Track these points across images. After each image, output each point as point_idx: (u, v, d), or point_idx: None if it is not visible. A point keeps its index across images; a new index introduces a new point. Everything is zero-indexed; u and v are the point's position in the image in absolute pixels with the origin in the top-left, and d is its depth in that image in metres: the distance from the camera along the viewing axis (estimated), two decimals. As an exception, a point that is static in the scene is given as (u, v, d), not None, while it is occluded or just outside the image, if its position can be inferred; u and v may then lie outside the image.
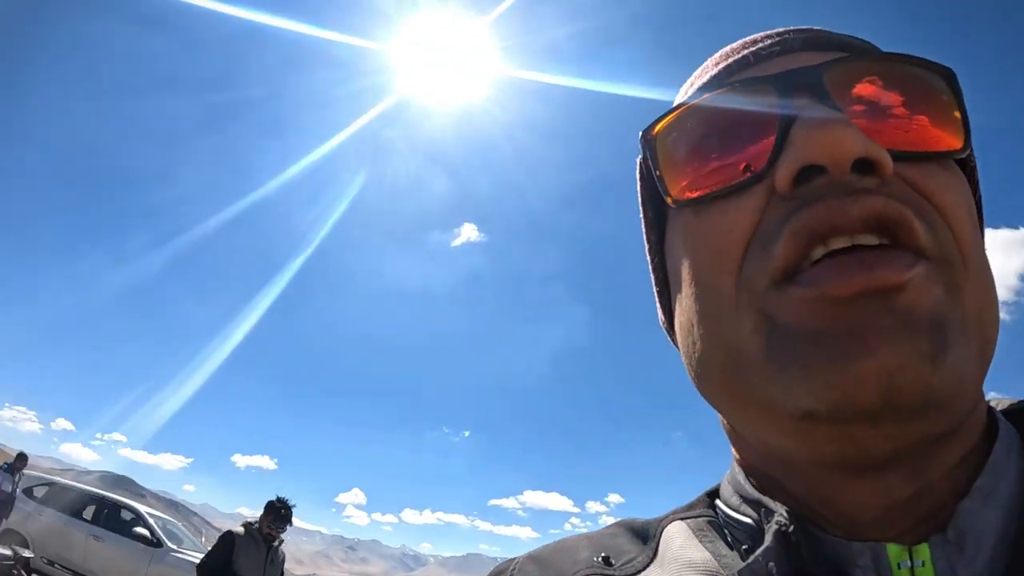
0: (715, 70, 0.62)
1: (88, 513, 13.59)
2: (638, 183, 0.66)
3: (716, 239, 0.53)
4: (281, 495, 6.24)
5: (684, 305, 0.57)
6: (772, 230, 0.49)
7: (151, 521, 13.43)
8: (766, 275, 0.48)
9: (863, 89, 0.52)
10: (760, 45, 0.60)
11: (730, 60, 0.61)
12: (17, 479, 12.10)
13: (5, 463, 12.20)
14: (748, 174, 0.52)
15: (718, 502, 0.63)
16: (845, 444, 0.46)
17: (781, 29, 0.61)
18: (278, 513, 6.13)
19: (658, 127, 0.58)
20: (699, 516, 0.63)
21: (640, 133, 0.60)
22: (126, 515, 13.70)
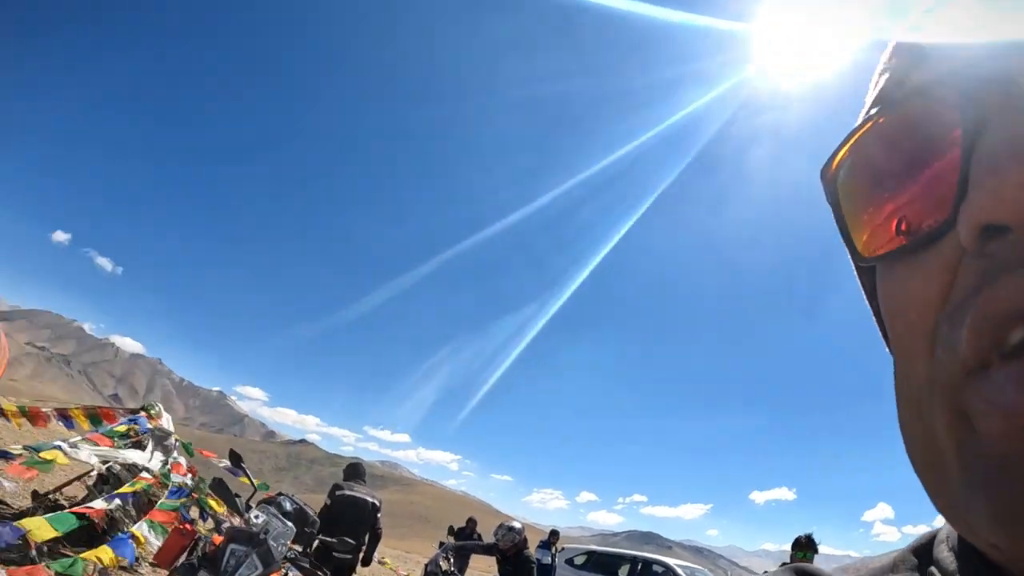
0: (887, 71, 0.48)
1: (623, 572, 14.89)
2: (836, 224, 0.53)
3: (905, 310, 0.45)
4: (804, 526, 6.67)
5: (895, 369, 0.48)
6: (961, 302, 0.43)
7: (680, 571, 14.07)
8: (956, 363, 0.43)
9: None
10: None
11: (902, 52, 0.48)
12: (554, 552, 13.91)
13: (542, 540, 14.15)
14: (933, 223, 0.44)
15: (933, 570, 0.50)
16: None
17: None
18: (800, 543, 6.29)
19: (834, 164, 0.48)
20: None
21: (820, 171, 0.50)
22: (657, 568, 14.58)
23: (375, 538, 7.13)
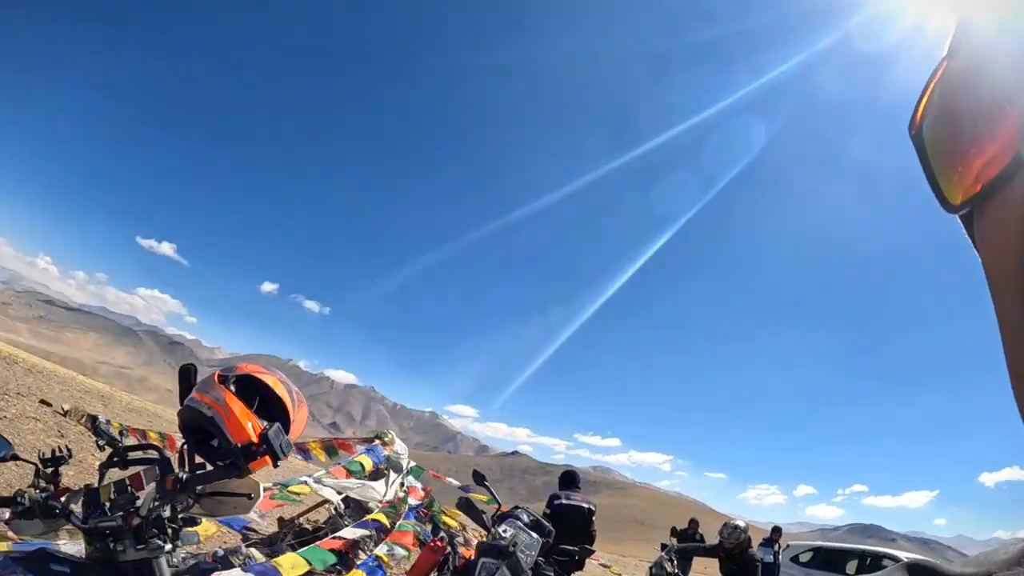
0: (956, 17, 0.49)
1: (850, 567, 14.18)
2: (925, 176, 0.55)
3: (993, 253, 0.46)
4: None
5: (996, 312, 0.50)
6: None
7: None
8: None
9: None
10: None
11: None
12: (776, 549, 13.49)
13: (764, 538, 13.79)
14: (1005, 163, 0.45)
15: None
16: None
17: None
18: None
19: (917, 117, 0.49)
20: None
21: (907, 125, 0.50)
22: (886, 563, 13.76)
23: (590, 541, 7.32)
